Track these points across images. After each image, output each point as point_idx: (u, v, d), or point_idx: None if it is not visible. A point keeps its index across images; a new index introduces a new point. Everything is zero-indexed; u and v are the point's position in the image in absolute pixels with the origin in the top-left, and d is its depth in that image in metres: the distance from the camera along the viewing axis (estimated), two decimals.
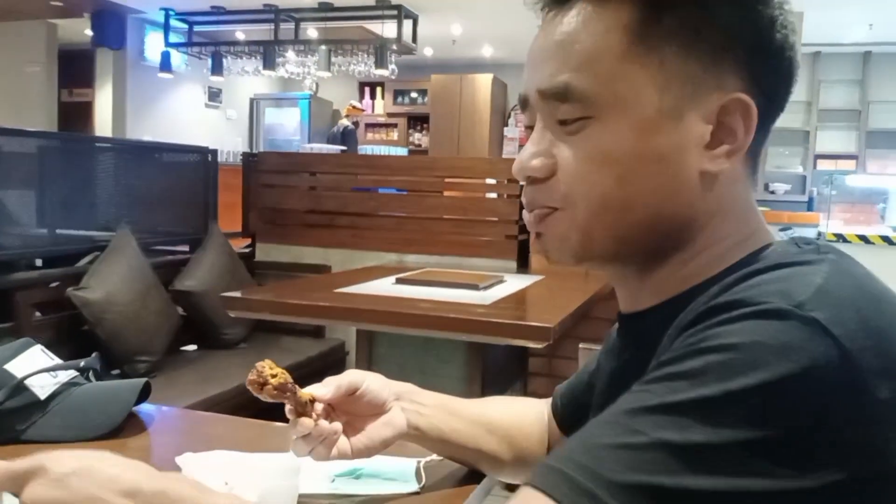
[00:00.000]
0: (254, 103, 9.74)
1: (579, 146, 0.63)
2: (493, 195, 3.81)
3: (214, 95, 9.05)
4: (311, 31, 7.48)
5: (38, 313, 2.82)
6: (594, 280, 3.13)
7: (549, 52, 0.65)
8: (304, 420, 0.78)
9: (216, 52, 7.66)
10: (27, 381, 0.99)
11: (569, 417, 0.90)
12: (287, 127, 9.60)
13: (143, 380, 1.08)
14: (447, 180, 3.93)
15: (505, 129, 8.52)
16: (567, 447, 0.51)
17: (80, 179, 3.60)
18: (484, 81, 8.91)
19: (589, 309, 2.53)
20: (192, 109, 8.72)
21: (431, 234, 3.75)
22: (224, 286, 3.25)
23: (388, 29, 6.98)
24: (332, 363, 3.54)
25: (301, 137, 9.19)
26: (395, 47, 7.00)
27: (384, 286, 2.56)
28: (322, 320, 3.28)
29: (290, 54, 7.38)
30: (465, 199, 3.86)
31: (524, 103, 0.69)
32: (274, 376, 0.75)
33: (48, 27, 8.20)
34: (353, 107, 8.28)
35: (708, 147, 0.61)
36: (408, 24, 6.94)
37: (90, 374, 1.09)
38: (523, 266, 3.45)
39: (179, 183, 3.76)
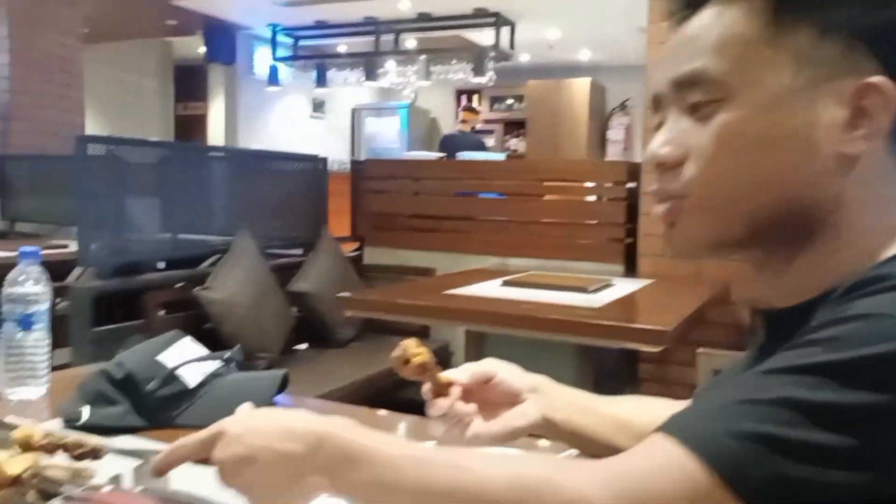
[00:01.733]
0: (355, 113, 9.99)
1: (711, 130, 0.63)
2: (594, 198, 3.76)
3: (318, 106, 9.36)
4: (410, 42, 7.62)
5: (162, 312, 2.99)
6: (707, 285, 3.04)
7: (681, 45, 0.65)
8: (442, 401, 0.81)
9: (320, 64, 7.92)
10: (178, 371, 1.06)
11: None
12: (386, 135, 9.80)
13: (283, 371, 1.13)
14: (548, 184, 3.91)
15: (608, 131, 8.38)
16: (694, 404, 0.54)
17: (200, 187, 3.80)
18: (582, 85, 8.81)
19: (703, 314, 2.46)
20: (297, 120, 9.05)
21: (533, 238, 3.74)
22: (335, 288, 3.35)
23: (485, 36, 7.02)
24: (438, 362, 3.58)
25: (400, 145, 9.36)
26: (492, 54, 7.04)
27: (491, 288, 2.57)
28: (432, 320, 3.31)
29: (391, 64, 7.54)
30: (568, 202, 3.83)
31: (656, 103, 0.69)
32: (417, 355, 0.78)
33: (163, 45, 8.71)
34: (471, 110, 7.75)
35: (844, 130, 0.60)
36: (505, 31, 6.96)
37: (232, 365, 1.15)
38: (631, 270, 3.39)
39: (292, 190, 3.90)
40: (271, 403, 1.11)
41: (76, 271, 2.90)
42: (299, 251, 3.72)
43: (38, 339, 1.15)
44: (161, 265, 3.47)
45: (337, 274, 3.52)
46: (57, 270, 1.99)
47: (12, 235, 4.58)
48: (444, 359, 3.71)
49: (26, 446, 0.77)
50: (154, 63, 8.55)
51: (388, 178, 4.20)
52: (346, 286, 3.42)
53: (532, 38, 7.58)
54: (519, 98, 9.59)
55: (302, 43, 8.10)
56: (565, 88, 8.87)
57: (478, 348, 2.56)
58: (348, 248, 4.03)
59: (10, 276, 1.14)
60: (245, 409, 0.70)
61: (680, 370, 3.02)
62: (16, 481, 0.70)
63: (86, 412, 1.00)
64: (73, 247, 3.78)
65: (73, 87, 5.41)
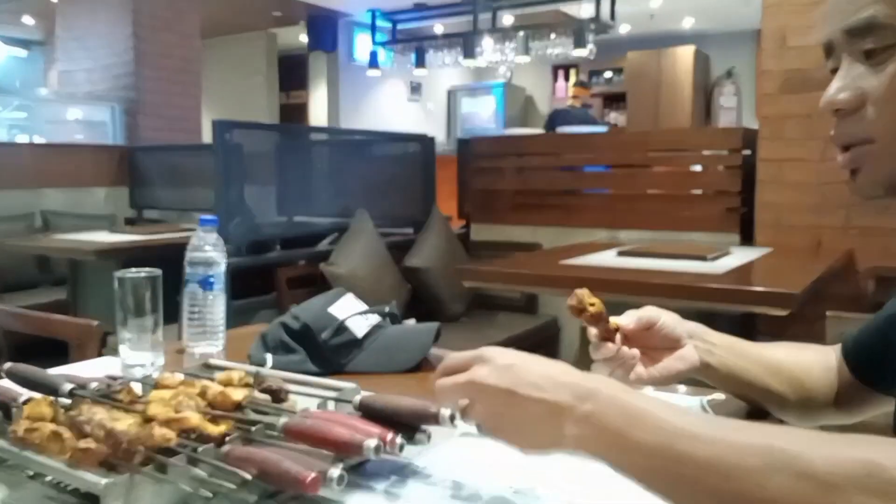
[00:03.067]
0: (451, 94, 10.09)
1: (887, 75, 0.65)
2: (699, 167, 3.69)
3: (415, 89, 9.50)
4: (508, 19, 7.61)
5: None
6: (827, 253, 2.96)
7: None
8: (609, 344, 0.86)
9: (418, 46, 8.03)
10: (346, 323, 1.16)
11: (863, 363, 0.90)
12: (482, 115, 9.84)
13: (437, 324, 1.21)
14: (655, 154, 3.86)
15: (720, 98, 8.11)
16: None
17: (314, 170, 3.98)
18: (685, 54, 8.57)
19: (825, 283, 2.40)
20: (395, 104, 9.22)
21: (642, 210, 3.71)
22: (446, 264, 3.46)
23: (585, 9, 6.93)
24: (544, 339, 3.63)
25: (496, 125, 9.39)
26: (592, 27, 6.94)
27: (607, 259, 2.60)
28: (547, 290, 3.34)
29: (488, 43, 7.56)
30: (677, 172, 3.77)
31: (828, 49, 0.71)
32: (592, 304, 0.84)
33: (268, 37, 9.04)
34: (582, 85, 7.39)
35: None
36: (605, 2, 6.85)
37: (389, 319, 1.24)
38: (747, 240, 3.32)
39: (402, 170, 4.03)
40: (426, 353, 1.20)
41: None
42: (410, 229, 3.85)
43: (216, 298, 1.28)
44: (277, 247, 3.68)
45: (447, 250, 3.63)
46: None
47: (140, 222, 4.93)
48: (553, 334, 3.76)
49: (227, 384, 0.88)
50: (260, 54, 8.89)
51: (492, 156, 4.26)
52: (456, 262, 3.52)
53: (633, 8, 7.42)
54: (618, 71, 9.41)
55: (400, 27, 8.23)
56: (667, 58, 8.65)
57: None
58: (456, 226, 4.12)
59: (192, 241, 1.27)
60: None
61: (803, 337, 2.94)
62: (237, 406, 0.81)
63: (269, 359, 1.12)
64: None
65: (192, 83, 5.74)
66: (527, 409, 0.62)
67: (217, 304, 1.28)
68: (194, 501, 0.68)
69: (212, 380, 0.89)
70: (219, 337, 1.28)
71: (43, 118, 5.70)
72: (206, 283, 1.26)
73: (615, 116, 9.53)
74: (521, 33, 7.28)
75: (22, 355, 2.21)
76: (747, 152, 3.40)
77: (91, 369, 1.13)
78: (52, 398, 0.77)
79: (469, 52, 7.51)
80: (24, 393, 0.83)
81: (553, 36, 7.21)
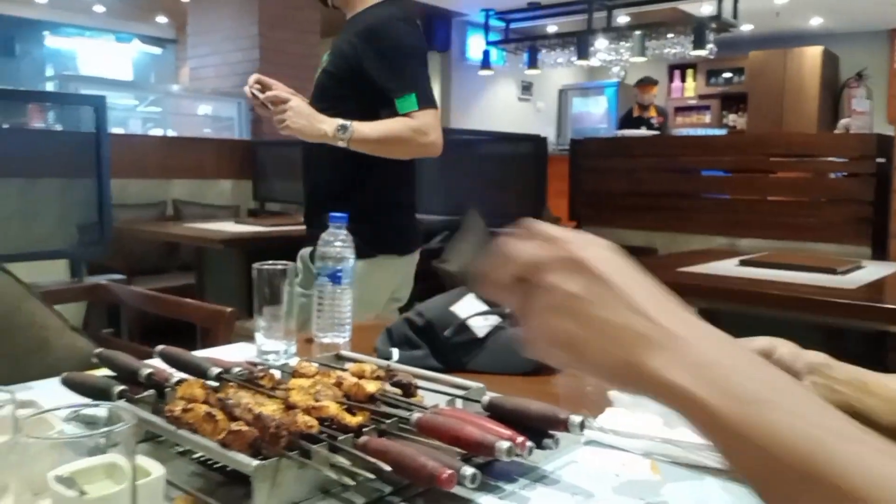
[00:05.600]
0: (562, 94, 9.99)
1: None
2: (832, 175, 3.50)
3: (526, 88, 9.47)
4: (623, 18, 7.46)
5: None
6: None
7: None
8: None
9: (531, 46, 8.01)
10: (468, 322, 1.18)
11: None
12: (594, 115, 9.69)
13: None
14: (778, 159, 3.69)
15: (852, 101, 7.66)
16: None
17: (424, 168, 4.03)
18: (812, 55, 8.13)
19: None
20: (505, 103, 9.22)
21: (763, 217, 3.56)
22: None
23: (705, 7, 6.70)
24: None
25: (608, 125, 9.22)
26: (713, 25, 6.71)
27: (728, 267, 2.50)
28: None
29: (602, 42, 7.44)
30: (803, 179, 3.59)
31: None
32: None
33: None
34: (649, 84, 6.87)
35: None
36: (727, 0, 6.60)
37: (510, 320, 1.25)
38: (880, 253, 3.12)
39: (513, 169, 4.03)
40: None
41: None
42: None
43: (344, 292, 1.33)
44: None
45: None
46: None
47: (262, 214, 5.16)
48: None
49: (360, 376, 0.91)
50: None
51: (605, 157, 4.19)
52: None
53: (757, 5, 7.12)
54: (738, 71, 9.05)
55: (513, 26, 8.23)
56: (793, 59, 8.24)
57: None
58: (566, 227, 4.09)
59: (323, 237, 1.32)
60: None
61: None
62: (370, 398, 0.84)
63: (395, 353, 1.15)
64: None
65: (311, 79, 5.94)
66: (593, 324, 0.46)
67: (345, 298, 1.33)
68: (330, 487, 0.71)
69: (344, 371, 0.93)
70: (345, 329, 1.33)
71: (175, 113, 6.06)
72: (335, 277, 1.31)
73: (734, 118, 9.17)
74: (637, 32, 7.12)
75: (149, 336, 2.36)
76: (881, 160, 3.19)
77: (229, 354, 1.20)
78: (202, 381, 0.82)
79: (583, 52, 7.42)
80: (175, 374, 0.88)
81: (671, 35, 7.02)
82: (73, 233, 2.16)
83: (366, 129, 1.86)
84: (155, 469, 0.62)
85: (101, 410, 0.58)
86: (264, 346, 1.21)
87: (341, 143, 1.86)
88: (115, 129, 5.85)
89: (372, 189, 1.95)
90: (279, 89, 1.97)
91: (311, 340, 1.34)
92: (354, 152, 1.88)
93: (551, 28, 8.32)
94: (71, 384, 0.86)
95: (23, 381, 1.07)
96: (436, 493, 0.71)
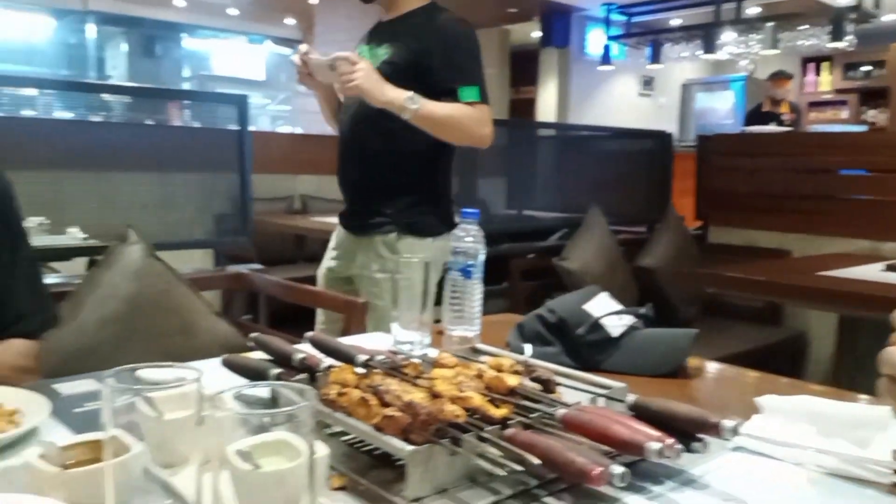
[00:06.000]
0: (685, 89, 9.65)
1: None
2: None
3: (647, 83, 9.22)
4: (753, 9, 7.12)
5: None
6: None
7: None
8: None
9: (654, 40, 7.79)
10: (602, 321, 1.17)
11: None
12: (719, 111, 9.30)
13: (695, 330, 1.18)
14: None
15: None
16: None
17: (544, 166, 4.01)
18: None
19: None
20: (625, 99, 9.02)
21: None
22: (679, 266, 3.33)
23: None
24: (789, 354, 3.37)
25: (735, 121, 8.83)
26: (853, 16, 6.29)
27: (871, 273, 2.35)
28: (800, 302, 3.09)
29: (730, 35, 7.13)
30: None
31: None
32: None
33: (501, 33, 9.24)
34: (784, 77, 6.23)
35: None
36: None
37: (643, 321, 1.23)
38: None
39: (636, 166, 3.94)
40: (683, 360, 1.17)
41: None
42: (643, 228, 3.75)
43: (475, 286, 1.34)
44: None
45: (681, 251, 3.49)
46: None
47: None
48: (800, 349, 3.47)
49: (498, 369, 0.92)
50: (493, 50, 9.11)
51: (734, 154, 4.02)
52: (689, 264, 3.37)
53: None
54: (879, 64, 8.44)
55: (635, 20, 8.04)
56: None
57: (851, 337, 2.36)
58: (689, 227, 3.95)
59: (455, 232, 1.34)
60: None
61: None
62: (511, 391, 0.84)
63: (528, 349, 1.16)
64: None
65: None
66: None
67: (475, 292, 1.34)
68: (478, 476, 0.73)
69: (482, 363, 0.94)
70: (475, 323, 1.35)
71: (302, 111, 6.31)
72: (466, 272, 1.33)
73: (874, 114, 8.57)
74: (769, 24, 6.77)
75: (274, 322, 2.46)
76: None
77: (367, 342, 1.24)
78: (353, 367, 0.86)
79: (709, 46, 7.14)
80: (324, 359, 0.93)
81: (805, 26, 6.63)
82: (215, 224, 2.29)
83: (432, 106, 1.91)
84: (320, 448, 0.65)
85: (262, 391, 0.62)
86: (400, 336, 1.24)
87: (405, 115, 1.90)
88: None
89: (436, 179, 2.10)
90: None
91: (442, 332, 1.37)
92: (414, 147, 1.99)
93: (675, 21, 8.06)
94: (231, 365, 0.92)
95: (170, 360, 1.15)
96: (582, 489, 0.71)
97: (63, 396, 0.93)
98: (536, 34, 8.57)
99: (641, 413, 0.79)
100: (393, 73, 1.99)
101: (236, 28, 9.38)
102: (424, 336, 1.24)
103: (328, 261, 2.20)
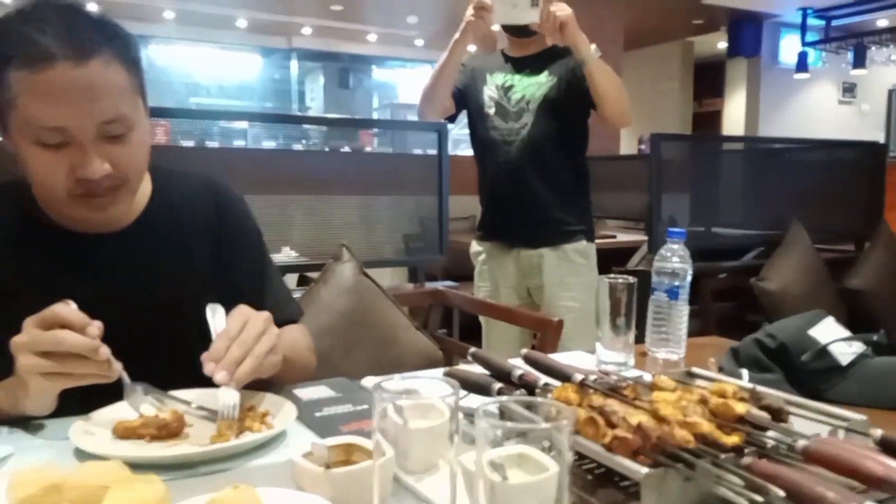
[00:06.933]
0: (893, 95, 8.80)
1: None
2: None
3: (848, 90, 8.51)
4: None
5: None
6: None
7: None
8: None
9: (857, 44, 7.19)
10: (829, 347, 1.09)
11: None
12: None
13: None
14: None
15: None
16: None
17: (733, 181, 3.81)
18: None
19: None
20: (822, 108, 8.38)
21: None
22: (893, 287, 3.03)
23: None
24: None
25: None
26: None
27: None
28: None
29: None
30: None
31: None
32: None
33: (684, 45, 8.93)
34: None
35: None
36: None
37: (873, 348, 1.14)
38: None
39: (840, 180, 3.64)
40: None
41: (636, 257, 3.21)
42: (850, 245, 3.46)
43: (681, 308, 1.31)
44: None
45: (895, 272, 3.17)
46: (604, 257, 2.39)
47: None
48: None
49: (721, 395, 0.89)
50: (675, 63, 8.84)
51: None
52: None
53: None
54: None
55: (835, 23, 7.45)
56: None
57: None
58: None
59: (660, 252, 1.32)
60: None
61: None
62: (739, 419, 0.82)
63: (745, 374, 1.11)
64: (620, 237, 4.18)
65: None
66: None
67: (681, 314, 1.31)
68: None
69: (701, 388, 0.92)
70: (681, 345, 1.31)
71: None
72: (672, 293, 1.30)
73: None
74: None
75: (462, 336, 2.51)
76: None
77: (567, 361, 1.25)
78: (576, 385, 0.87)
79: None
80: (541, 377, 0.95)
81: None
82: (414, 243, 2.41)
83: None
84: (551, 465, 0.67)
85: (491, 406, 0.65)
86: (604, 356, 1.24)
87: (589, 63, 2.11)
88: (430, 151, 6.41)
89: (586, 189, 2.37)
90: None
91: (645, 354, 1.34)
92: (576, 162, 2.31)
93: (882, 22, 7.38)
94: (454, 378, 0.96)
95: (377, 371, 1.21)
96: None
97: (303, 401, 1.02)
98: (722, 45, 8.19)
99: (890, 449, 0.73)
100: (558, 97, 2.22)
101: (422, 57, 9.80)
102: (629, 357, 1.23)
103: (504, 280, 2.37)
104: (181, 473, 0.79)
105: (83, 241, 1.07)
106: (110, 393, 0.94)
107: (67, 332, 0.85)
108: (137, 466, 0.73)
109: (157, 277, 1.11)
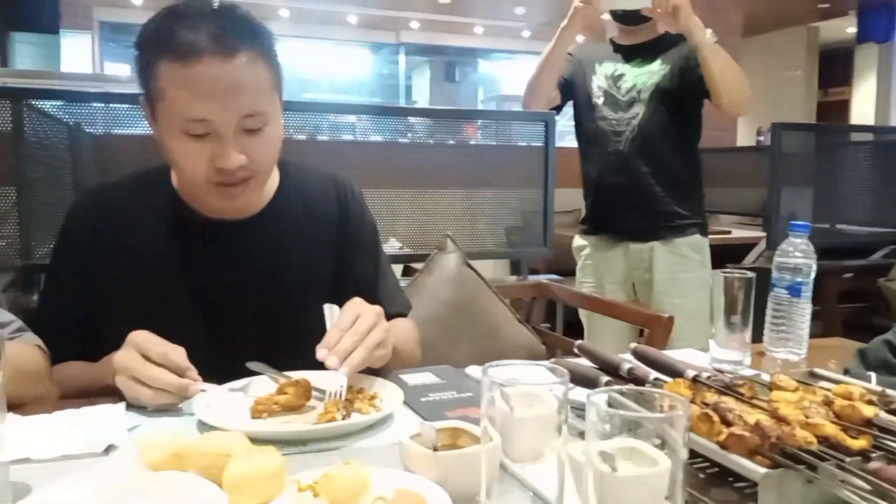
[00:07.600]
0: None
1: None
2: None
3: None
4: None
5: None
6: None
7: None
8: None
9: None
10: None
11: None
12: None
13: None
14: None
15: None
16: None
17: (863, 175, 3.57)
18: None
19: None
20: None
21: None
22: None
23: None
24: None
25: None
26: None
27: None
28: None
29: None
30: None
31: None
32: None
33: (809, 31, 8.44)
34: None
35: None
36: None
37: None
38: None
39: None
40: None
41: (753, 254, 3.07)
42: None
43: (803, 306, 1.24)
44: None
45: None
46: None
47: None
48: None
49: (846, 397, 0.84)
50: (799, 50, 8.38)
51: None
52: None
53: None
54: None
55: None
56: None
57: None
58: None
59: (782, 246, 1.26)
60: None
61: None
62: (867, 422, 0.77)
63: (873, 378, 1.04)
64: (735, 233, 4.01)
65: None
66: None
67: (804, 312, 1.25)
68: None
69: (825, 389, 0.87)
70: (803, 345, 1.25)
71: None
72: (794, 290, 1.24)
73: None
74: None
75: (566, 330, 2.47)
76: None
77: (680, 357, 1.21)
78: (689, 381, 0.84)
79: None
80: (651, 372, 0.92)
81: None
82: (518, 236, 2.40)
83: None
84: (662, 460, 0.65)
85: (600, 398, 0.63)
86: (718, 354, 1.19)
87: (703, 47, 2.03)
88: (534, 143, 6.36)
89: (699, 180, 2.31)
90: None
91: (763, 353, 1.28)
92: (688, 152, 2.24)
93: None
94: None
95: (480, 361, 1.22)
96: None
97: (410, 386, 1.04)
98: (851, 29, 7.69)
99: None
100: (669, 85, 2.17)
101: (529, 49, 9.73)
102: (745, 356, 1.18)
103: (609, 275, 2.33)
104: (294, 449, 0.83)
105: (214, 226, 1.14)
106: (227, 372, 1.00)
107: (166, 372, 0.93)
108: (254, 441, 0.76)
109: (280, 266, 1.16)
